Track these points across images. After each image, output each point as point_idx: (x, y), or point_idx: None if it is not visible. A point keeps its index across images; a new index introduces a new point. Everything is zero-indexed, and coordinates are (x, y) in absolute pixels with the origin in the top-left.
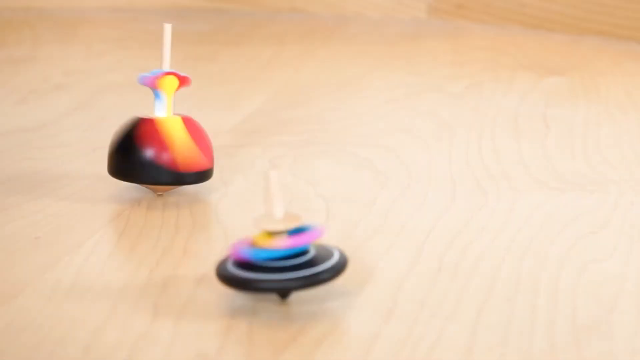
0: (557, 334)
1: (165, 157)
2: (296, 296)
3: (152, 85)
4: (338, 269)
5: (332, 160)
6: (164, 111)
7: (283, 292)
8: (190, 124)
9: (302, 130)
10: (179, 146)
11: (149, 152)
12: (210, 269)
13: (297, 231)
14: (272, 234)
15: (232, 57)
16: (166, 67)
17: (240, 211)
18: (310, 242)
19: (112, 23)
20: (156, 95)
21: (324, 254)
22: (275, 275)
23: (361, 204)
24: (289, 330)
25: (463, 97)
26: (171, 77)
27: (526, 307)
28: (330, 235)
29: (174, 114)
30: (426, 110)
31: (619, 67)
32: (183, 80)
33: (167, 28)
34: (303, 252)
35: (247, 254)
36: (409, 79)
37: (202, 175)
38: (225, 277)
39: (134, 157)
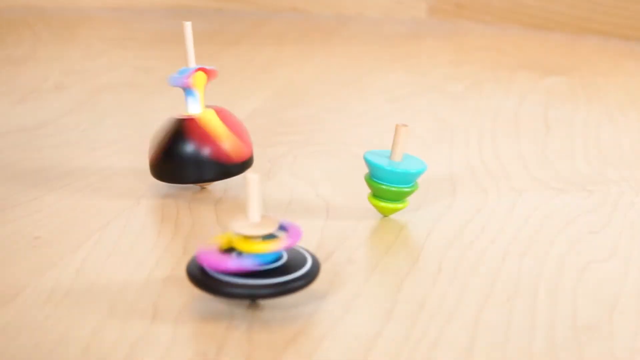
0: (557, 334)
1: (219, 152)
2: (295, 297)
3: (186, 85)
4: (311, 276)
5: (332, 161)
6: (199, 107)
7: (253, 298)
8: (223, 115)
9: (302, 130)
10: (225, 138)
11: (205, 150)
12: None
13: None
14: (248, 238)
15: (232, 57)
16: (192, 64)
17: (239, 211)
18: (298, 241)
19: (112, 23)
20: (189, 93)
21: (297, 259)
22: (247, 280)
23: (361, 204)
24: (289, 330)
25: (463, 97)
26: (201, 72)
27: (526, 307)
28: (330, 235)
29: (206, 106)
30: (426, 110)
31: (619, 67)
32: (211, 74)
33: (188, 26)
34: (278, 258)
35: (239, 263)
36: (409, 79)
37: (247, 164)
38: (196, 279)
39: (188, 156)
